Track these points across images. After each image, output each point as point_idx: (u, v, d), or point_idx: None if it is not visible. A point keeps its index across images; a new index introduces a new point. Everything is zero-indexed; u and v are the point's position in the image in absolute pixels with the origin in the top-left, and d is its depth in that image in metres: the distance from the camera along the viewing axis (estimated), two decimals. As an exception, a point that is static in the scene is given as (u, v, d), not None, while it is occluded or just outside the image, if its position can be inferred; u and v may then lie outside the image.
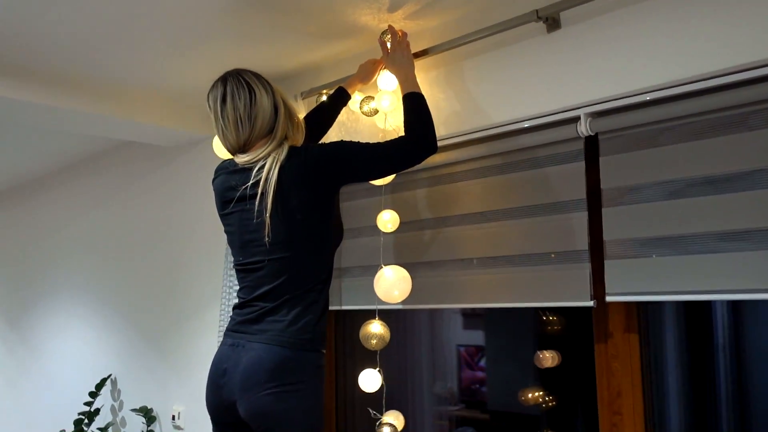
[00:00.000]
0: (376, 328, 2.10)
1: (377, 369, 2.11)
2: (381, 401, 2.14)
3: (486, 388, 2.53)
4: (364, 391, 2.14)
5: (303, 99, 2.41)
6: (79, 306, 3.97)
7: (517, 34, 1.92)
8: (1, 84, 2.39)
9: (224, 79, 1.79)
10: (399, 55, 1.97)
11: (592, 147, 1.87)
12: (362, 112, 2.20)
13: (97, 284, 3.83)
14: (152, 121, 2.83)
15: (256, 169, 1.73)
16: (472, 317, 2.57)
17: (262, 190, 1.70)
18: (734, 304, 1.89)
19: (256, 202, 1.71)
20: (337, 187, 1.80)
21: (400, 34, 2.02)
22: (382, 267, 2.07)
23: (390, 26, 2.03)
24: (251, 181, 1.72)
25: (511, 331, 2.45)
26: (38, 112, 2.61)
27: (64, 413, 3.83)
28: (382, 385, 2.11)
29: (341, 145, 1.76)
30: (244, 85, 1.76)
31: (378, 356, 2.12)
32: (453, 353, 2.59)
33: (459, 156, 2.11)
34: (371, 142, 1.79)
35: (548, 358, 2.20)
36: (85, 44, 2.25)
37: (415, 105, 1.84)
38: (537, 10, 1.80)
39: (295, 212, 1.71)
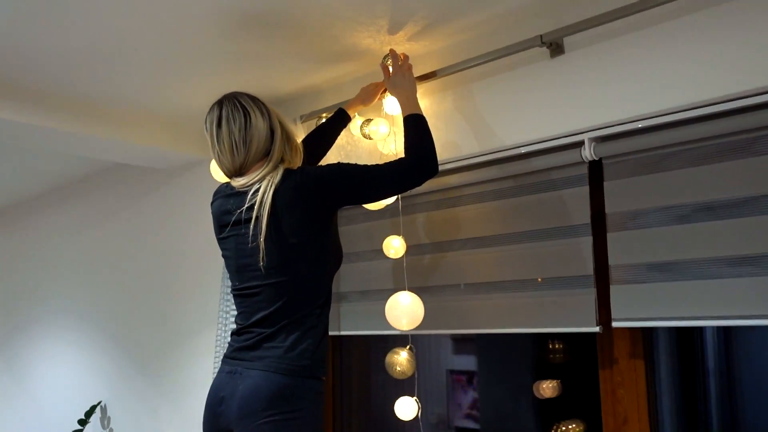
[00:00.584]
0: (403, 356, 2.06)
1: (414, 398, 2.08)
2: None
3: (479, 414, 2.50)
4: (361, 417, 2.11)
5: (303, 122, 2.41)
6: (67, 331, 3.90)
7: (520, 58, 1.92)
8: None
9: (220, 103, 1.78)
10: (400, 78, 1.96)
11: (596, 171, 1.87)
12: (362, 135, 2.19)
13: (86, 308, 3.77)
14: (147, 143, 2.80)
15: (251, 192, 1.71)
16: (462, 342, 2.56)
17: (257, 213, 1.68)
18: (739, 330, 1.89)
19: (251, 226, 1.69)
20: (333, 209, 1.77)
21: (401, 57, 2.02)
22: (397, 292, 2.04)
23: (391, 50, 2.03)
24: (246, 205, 1.71)
25: (505, 356, 2.43)
26: (30, 132, 2.57)
27: (52, 441, 3.75)
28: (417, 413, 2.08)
29: (337, 167, 1.74)
30: (240, 108, 1.75)
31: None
32: (443, 378, 2.57)
33: (461, 180, 2.10)
34: (370, 164, 1.76)
35: (549, 389, 2.16)
36: (80, 65, 2.23)
37: (415, 126, 1.82)
38: (541, 36, 1.81)
39: (288, 236, 1.68)
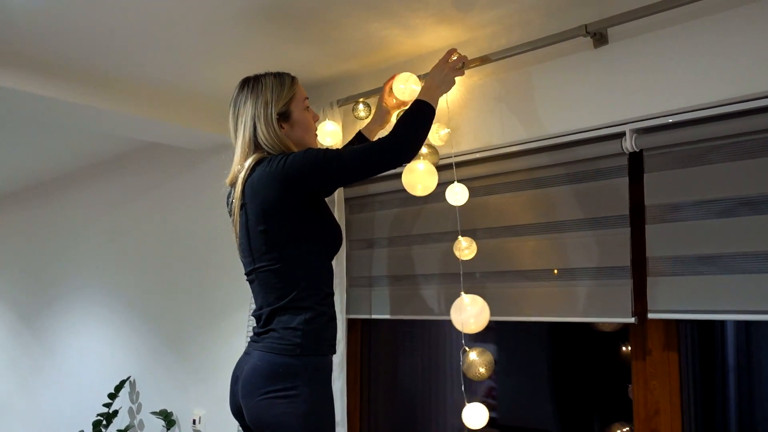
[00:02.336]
0: (488, 357, 1.91)
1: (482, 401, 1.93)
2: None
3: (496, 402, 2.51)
4: (387, 401, 2.10)
5: (339, 107, 2.42)
6: (98, 306, 3.97)
7: (564, 48, 1.92)
8: (30, 80, 2.39)
9: (239, 85, 1.86)
10: (437, 70, 1.93)
11: (636, 163, 1.87)
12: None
13: (117, 285, 3.84)
14: (182, 123, 2.83)
15: (237, 181, 1.77)
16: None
17: (237, 203, 1.76)
18: (760, 325, 1.88)
19: (236, 216, 1.78)
20: (303, 195, 1.71)
21: (455, 56, 1.97)
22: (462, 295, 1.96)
23: (453, 49, 2.00)
24: (233, 194, 1.78)
25: (523, 345, 2.44)
26: (68, 110, 2.61)
27: (82, 414, 3.83)
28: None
29: (303, 153, 1.71)
30: (238, 92, 1.84)
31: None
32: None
33: (500, 168, 2.11)
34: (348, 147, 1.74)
35: None
36: (118, 44, 2.26)
37: (417, 111, 1.80)
38: (585, 25, 1.80)
39: (257, 224, 1.72)
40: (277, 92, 1.80)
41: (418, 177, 2.00)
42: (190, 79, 2.58)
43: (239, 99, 1.82)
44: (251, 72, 1.86)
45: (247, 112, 1.78)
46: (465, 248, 2.00)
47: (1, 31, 2.13)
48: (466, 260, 2.00)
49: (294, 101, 1.83)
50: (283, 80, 1.83)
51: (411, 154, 1.76)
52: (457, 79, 1.97)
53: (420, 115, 1.80)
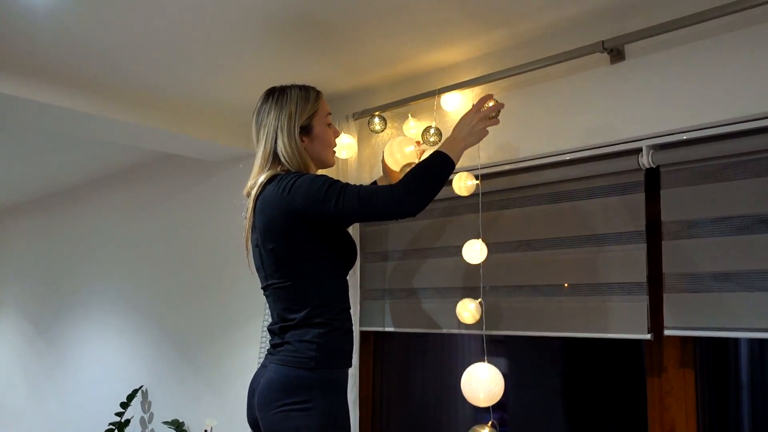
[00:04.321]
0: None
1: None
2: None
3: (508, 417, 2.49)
4: (399, 414, 2.09)
5: (355, 120, 2.43)
6: (112, 316, 3.99)
7: (580, 64, 1.93)
8: (48, 92, 2.42)
9: (264, 94, 1.86)
10: (465, 120, 1.80)
11: (652, 179, 1.87)
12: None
13: (130, 295, 3.86)
14: (196, 135, 2.85)
15: (250, 197, 1.77)
16: (493, 343, 2.54)
17: (249, 221, 1.76)
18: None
19: (247, 231, 1.78)
20: (309, 221, 1.67)
21: (491, 104, 1.82)
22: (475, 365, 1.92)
23: (490, 95, 1.85)
24: (247, 209, 1.79)
25: (536, 360, 2.43)
26: (85, 121, 2.64)
27: (94, 423, 3.84)
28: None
29: (313, 180, 1.66)
30: (262, 102, 1.83)
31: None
32: None
33: (515, 182, 2.11)
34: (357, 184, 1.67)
35: None
36: (133, 55, 2.28)
37: (434, 163, 1.69)
38: (603, 41, 1.81)
39: (264, 242, 1.72)
40: (301, 105, 1.79)
41: None
42: (207, 91, 2.61)
43: (263, 109, 1.82)
44: (268, 86, 1.87)
45: (270, 122, 1.78)
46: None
47: (24, 45, 2.17)
48: (478, 274, 2.00)
49: (317, 116, 1.82)
50: (308, 94, 1.82)
51: (416, 210, 1.63)
52: (474, 93, 1.96)
53: (436, 170, 1.68)
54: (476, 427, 1.92)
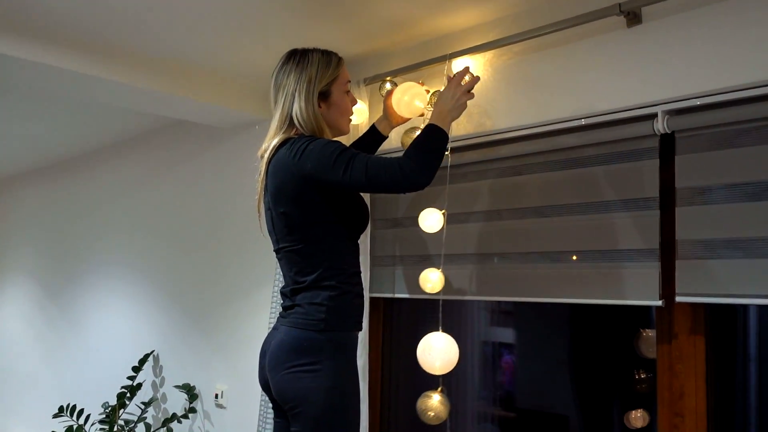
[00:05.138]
0: (436, 399, 1.99)
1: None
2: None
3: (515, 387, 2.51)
4: (409, 379, 2.12)
5: (366, 85, 2.41)
6: (122, 282, 4.02)
7: (596, 27, 1.90)
8: (58, 55, 2.39)
9: (285, 56, 1.83)
10: (447, 94, 1.81)
11: (667, 145, 1.85)
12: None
13: (141, 262, 3.88)
14: (208, 100, 2.83)
15: (263, 160, 1.78)
16: (501, 314, 2.56)
17: (262, 183, 1.77)
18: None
19: (260, 194, 1.79)
20: (320, 186, 1.67)
21: (465, 76, 1.86)
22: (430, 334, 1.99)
23: (465, 68, 1.90)
24: (259, 172, 1.80)
25: (543, 329, 2.44)
26: (95, 85, 2.62)
27: (106, 387, 3.89)
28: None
29: (325, 146, 1.65)
30: (288, 63, 1.80)
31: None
32: (478, 350, 2.59)
33: (529, 148, 2.10)
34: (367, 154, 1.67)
35: (638, 419, 2.10)
36: (146, 21, 2.26)
37: (430, 136, 1.70)
38: (619, 4, 1.78)
39: (276, 205, 1.73)
40: (322, 70, 1.77)
41: None
42: (216, 56, 2.59)
43: (283, 70, 1.79)
44: (279, 51, 1.85)
45: (289, 84, 1.76)
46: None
47: (36, 6, 2.15)
48: (490, 241, 2.01)
49: (336, 82, 1.80)
50: (330, 59, 1.80)
51: (425, 183, 1.64)
52: (486, 58, 1.95)
53: (437, 143, 1.69)
54: (428, 392, 2.02)
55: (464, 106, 1.82)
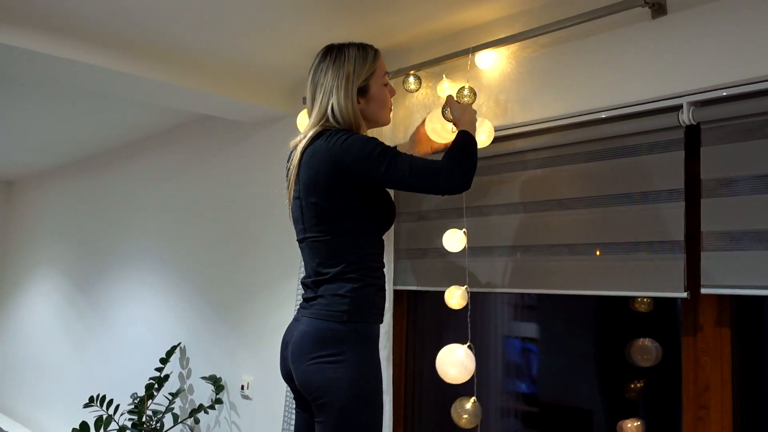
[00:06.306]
0: (469, 405, 2.07)
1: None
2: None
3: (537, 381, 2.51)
4: (432, 371, 2.14)
5: (390, 79, 2.41)
6: (151, 275, 4.09)
7: (620, 18, 1.89)
8: (89, 52, 2.44)
9: (321, 52, 1.85)
10: (458, 110, 1.93)
11: (692, 136, 1.84)
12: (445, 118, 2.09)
13: (168, 255, 3.94)
14: (235, 96, 2.87)
15: (297, 149, 1.79)
16: (523, 308, 2.55)
17: (294, 170, 1.79)
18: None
19: (291, 182, 1.81)
20: (355, 180, 1.71)
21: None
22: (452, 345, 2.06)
23: (449, 96, 2.01)
24: (292, 160, 1.81)
25: (567, 323, 2.43)
26: (125, 81, 2.67)
27: (135, 378, 3.97)
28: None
29: (366, 141, 1.69)
30: (321, 59, 1.82)
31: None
32: (501, 343, 2.59)
33: (553, 140, 2.10)
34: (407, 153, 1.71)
35: (633, 428, 2.08)
36: (172, 15, 2.29)
37: (465, 143, 1.77)
38: (644, -5, 1.77)
39: (307, 195, 1.75)
40: (359, 66, 1.79)
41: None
42: (242, 52, 2.62)
43: (320, 68, 1.81)
44: (304, 47, 1.86)
45: (327, 81, 1.78)
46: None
47: (65, 3, 2.19)
48: (514, 234, 2.01)
49: (374, 76, 1.82)
50: (366, 53, 1.82)
51: (465, 187, 1.71)
52: (510, 51, 1.96)
53: (473, 149, 1.78)
54: (461, 399, 2.10)
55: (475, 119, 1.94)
